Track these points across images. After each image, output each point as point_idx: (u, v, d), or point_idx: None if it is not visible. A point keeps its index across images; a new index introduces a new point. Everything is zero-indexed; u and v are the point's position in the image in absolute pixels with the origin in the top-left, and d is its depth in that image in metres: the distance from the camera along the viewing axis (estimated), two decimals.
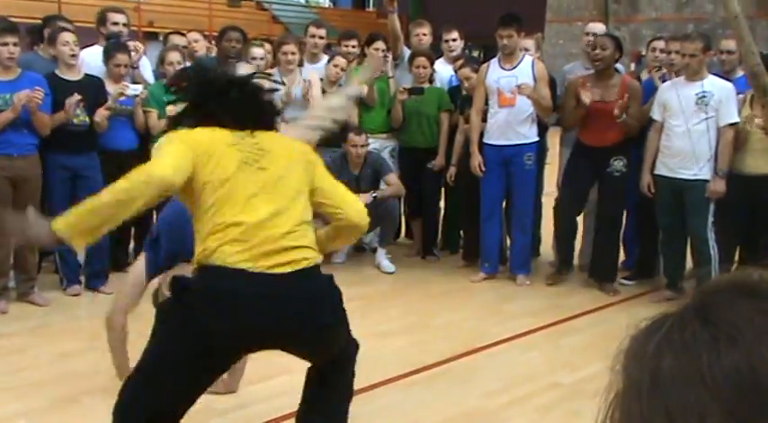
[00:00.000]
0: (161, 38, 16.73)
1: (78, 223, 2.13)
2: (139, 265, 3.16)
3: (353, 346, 2.55)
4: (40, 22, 5.55)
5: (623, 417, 0.56)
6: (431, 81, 5.87)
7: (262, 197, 2.25)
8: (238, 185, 2.23)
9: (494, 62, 5.26)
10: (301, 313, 2.24)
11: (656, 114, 4.82)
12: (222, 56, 5.58)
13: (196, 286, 2.21)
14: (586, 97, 4.90)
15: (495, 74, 5.18)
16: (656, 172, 4.85)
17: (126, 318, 3.24)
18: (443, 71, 6.08)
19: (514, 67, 5.15)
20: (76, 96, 4.60)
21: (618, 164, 5.01)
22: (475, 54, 6.39)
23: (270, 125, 2.48)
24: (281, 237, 2.22)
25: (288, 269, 2.20)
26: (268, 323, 2.20)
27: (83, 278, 4.97)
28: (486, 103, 5.26)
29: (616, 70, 5.17)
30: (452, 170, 5.65)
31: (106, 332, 3.28)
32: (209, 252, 2.18)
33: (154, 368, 2.21)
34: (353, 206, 2.52)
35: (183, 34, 6.01)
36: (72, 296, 4.84)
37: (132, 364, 3.43)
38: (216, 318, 2.15)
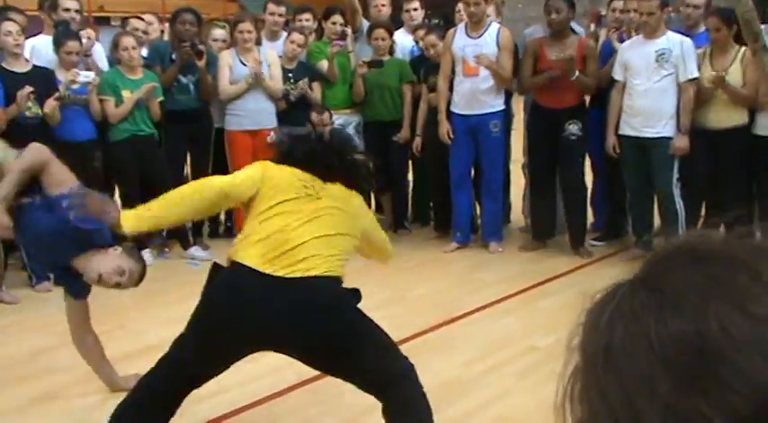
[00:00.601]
0: (113, 22, 16.36)
1: (143, 214, 2.45)
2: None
3: (398, 366, 2.50)
4: None
5: (582, 391, 0.56)
6: (391, 53, 5.82)
7: (305, 219, 2.45)
8: (289, 206, 2.46)
9: (460, 29, 5.22)
10: (297, 315, 2.32)
11: (617, 74, 4.84)
12: (176, 39, 5.47)
13: (218, 277, 2.45)
14: (553, 73, 4.91)
15: (461, 41, 5.15)
16: (621, 132, 4.89)
17: (87, 335, 3.21)
18: (404, 41, 6.03)
19: (480, 36, 5.12)
20: (28, 88, 4.49)
21: (573, 128, 5.03)
22: (434, 23, 6.32)
23: (348, 184, 2.65)
24: (298, 247, 2.37)
25: (296, 274, 2.34)
26: (264, 320, 2.34)
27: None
28: (453, 72, 5.24)
29: (572, 30, 5.17)
30: (418, 140, 5.64)
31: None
32: (238, 250, 2.43)
33: (186, 333, 2.51)
34: (389, 250, 3.01)
35: (141, 19, 5.86)
36: (42, 292, 4.76)
37: (121, 359, 3.40)
38: (224, 307, 2.40)
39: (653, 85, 4.67)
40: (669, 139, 4.70)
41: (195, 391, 3.27)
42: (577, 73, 4.89)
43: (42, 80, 4.66)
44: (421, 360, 3.55)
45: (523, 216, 5.86)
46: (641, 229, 5.08)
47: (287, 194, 2.49)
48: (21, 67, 4.64)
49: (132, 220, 2.41)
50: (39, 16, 5.62)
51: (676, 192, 4.72)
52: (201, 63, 5.31)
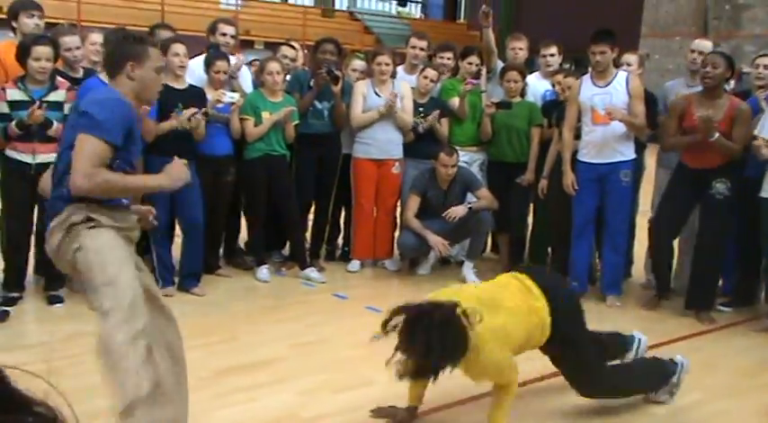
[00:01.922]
0: (256, 46, 17.14)
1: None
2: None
3: None
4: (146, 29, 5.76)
5: None
6: (522, 95, 5.80)
7: None
8: None
9: (586, 79, 5.14)
10: None
11: (765, 132, 4.57)
12: (315, 66, 5.66)
13: None
14: (702, 115, 4.66)
15: (589, 91, 5.06)
16: (764, 194, 4.62)
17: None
18: (538, 85, 6.00)
19: (608, 84, 5.02)
20: (193, 110, 4.79)
21: (720, 186, 4.79)
22: (566, 67, 6.25)
23: None
24: None
25: None
26: None
27: (176, 279, 5.12)
28: (579, 120, 5.16)
29: (725, 90, 4.96)
30: (544, 182, 5.56)
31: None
32: None
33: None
34: None
35: (293, 47, 6.05)
36: (165, 296, 4.98)
37: (227, 371, 3.50)
38: None
39: None
40: None
41: (297, 413, 3.32)
42: (717, 135, 4.65)
43: (196, 98, 4.95)
44: (522, 409, 3.48)
45: (645, 271, 5.64)
46: None
47: None
48: (179, 85, 4.95)
49: None
50: (195, 37, 5.97)
51: None
52: (337, 88, 5.46)
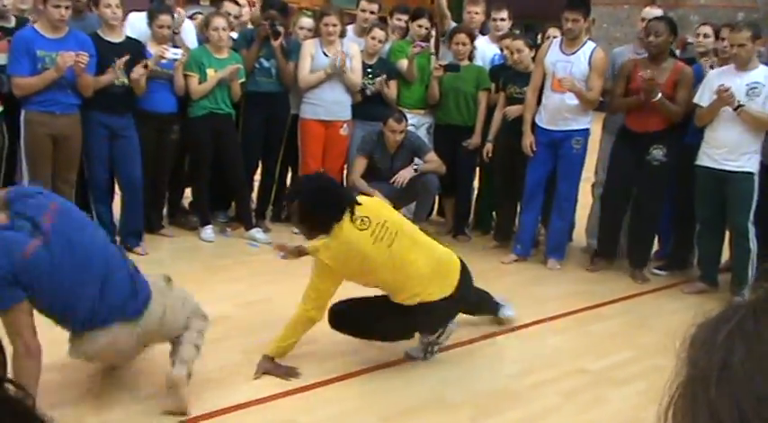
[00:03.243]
0: (202, 2, 16.60)
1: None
2: None
3: None
4: None
5: (688, 405, 0.56)
6: (470, 58, 5.80)
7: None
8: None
9: (555, 43, 5.16)
10: None
11: (703, 100, 4.69)
12: (261, 27, 5.55)
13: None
14: (644, 74, 4.76)
15: (554, 56, 5.09)
16: (699, 162, 4.75)
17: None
18: (487, 49, 5.99)
19: (573, 53, 5.06)
20: (126, 57, 4.65)
21: (657, 153, 4.92)
22: (515, 32, 6.27)
23: None
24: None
25: None
26: None
27: (118, 238, 5.03)
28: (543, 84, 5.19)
29: (671, 53, 5.04)
30: (489, 146, 5.60)
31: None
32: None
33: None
34: None
35: (236, 3, 5.88)
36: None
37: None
38: None
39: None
40: (751, 174, 4.56)
41: (240, 370, 3.34)
42: (660, 95, 4.76)
43: (133, 51, 4.81)
44: (468, 367, 3.57)
45: (586, 235, 5.77)
46: (708, 264, 4.94)
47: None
48: (115, 38, 4.80)
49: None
50: None
51: (752, 229, 4.57)
52: (276, 43, 5.37)
